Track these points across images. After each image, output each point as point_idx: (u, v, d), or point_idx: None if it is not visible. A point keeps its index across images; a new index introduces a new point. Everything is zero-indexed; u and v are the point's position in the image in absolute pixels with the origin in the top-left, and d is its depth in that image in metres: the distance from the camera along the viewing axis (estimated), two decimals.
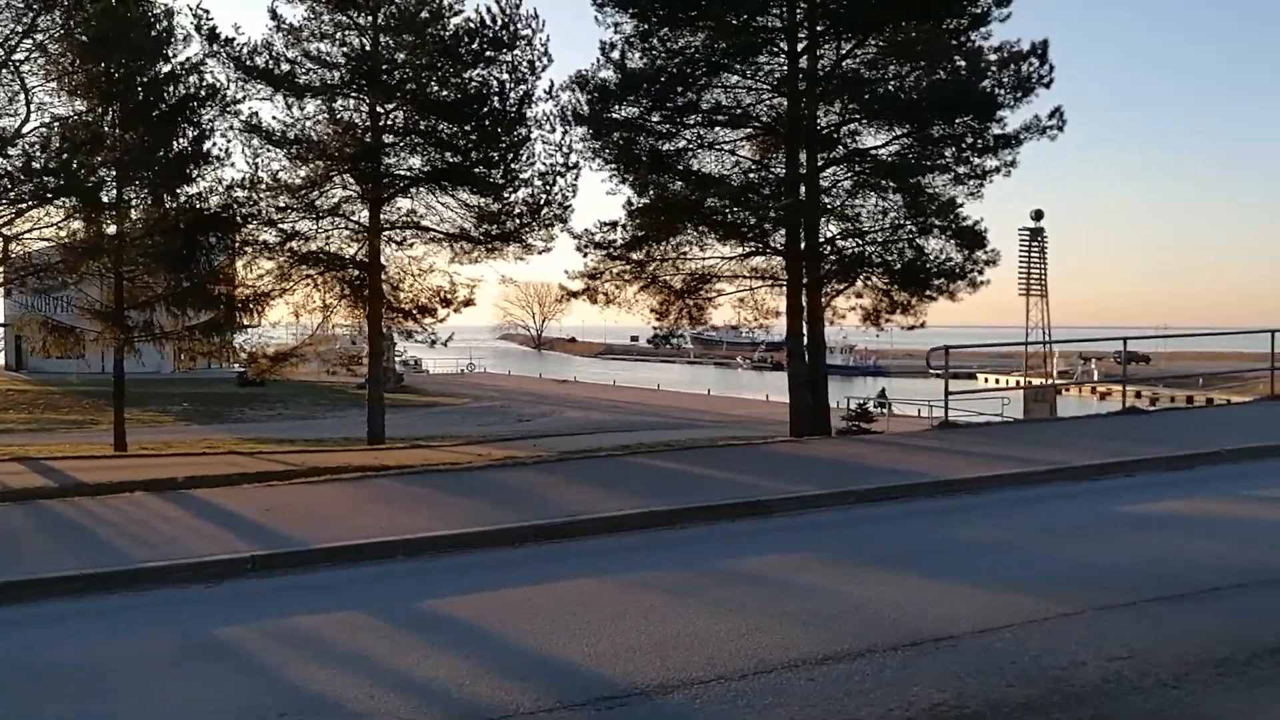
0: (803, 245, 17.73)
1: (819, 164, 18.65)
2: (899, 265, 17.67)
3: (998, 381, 75.36)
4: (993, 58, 17.27)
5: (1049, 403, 35.38)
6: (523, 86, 22.80)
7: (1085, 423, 16.38)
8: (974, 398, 31.02)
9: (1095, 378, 77.92)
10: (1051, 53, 16.88)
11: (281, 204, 22.11)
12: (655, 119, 17.55)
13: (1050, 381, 39.47)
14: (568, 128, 19.10)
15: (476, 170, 24.01)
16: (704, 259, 19.06)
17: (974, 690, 4.87)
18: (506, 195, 23.99)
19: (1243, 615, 5.99)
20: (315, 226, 22.86)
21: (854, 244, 18.54)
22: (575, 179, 23.32)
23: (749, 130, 18.23)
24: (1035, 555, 7.68)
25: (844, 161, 18.21)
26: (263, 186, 22.11)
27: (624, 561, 7.92)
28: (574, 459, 13.48)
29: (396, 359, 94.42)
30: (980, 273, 19.26)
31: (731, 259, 18.80)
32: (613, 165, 17.90)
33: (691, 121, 17.62)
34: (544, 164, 23.65)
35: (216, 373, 56.76)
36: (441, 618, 6.49)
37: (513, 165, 23.99)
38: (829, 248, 18.17)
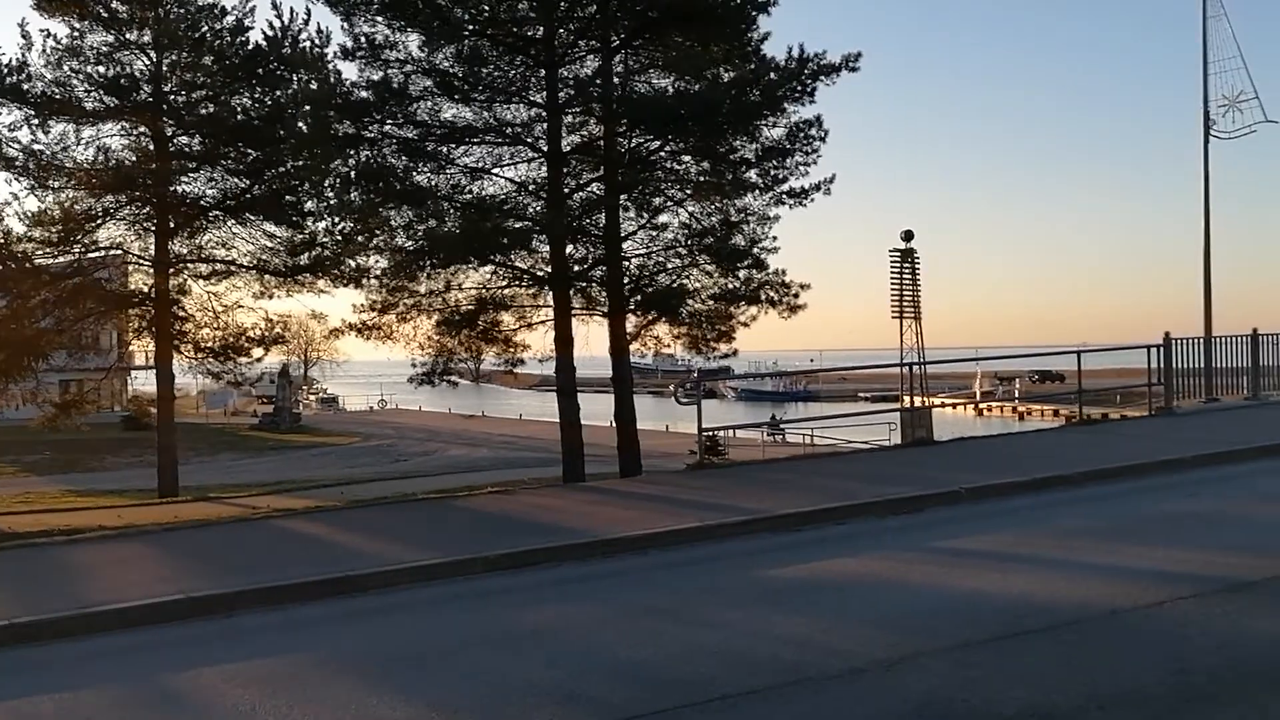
0: (574, 269, 16.24)
1: (619, 184, 17.18)
2: (674, 288, 16.22)
3: (924, 403, 74.61)
4: (776, 66, 16.00)
5: (926, 426, 34.33)
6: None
7: (863, 459, 15.00)
8: (833, 424, 29.87)
9: (1016, 397, 77.83)
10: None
11: (47, 236, 20.21)
12: (404, 135, 16.00)
13: (926, 403, 38.09)
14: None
15: (278, 197, 22.35)
16: (488, 288, 17.48)
17: None
18: (308, 224, 22.35)
19: None
20: (89, 259, 20.98)
21: (639, 266, 17.09)
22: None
23: (509, 148, 16.70)
24: (577, 649, 6.15)
25: (607, 179, 16.69)
26: (26, 218, 20.24)
27: (73, 674, 6.26)
28: (216, 525, 11.78)
29: (310, 396, 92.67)
30: (795, 295, 17.96)
31: (508, 286, 17.24)
32: (363, 189, 16.26)
33: (439, 136, 16.07)
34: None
35: (105, 416, 54.31)
36: None
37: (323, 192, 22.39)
38: (587, 273, 16.66)
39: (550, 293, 17.51)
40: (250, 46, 21.91)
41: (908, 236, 36.26)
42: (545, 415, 70.94)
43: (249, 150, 22.02)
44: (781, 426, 40.69)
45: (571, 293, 16.65)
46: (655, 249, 17.11)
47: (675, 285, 16.33)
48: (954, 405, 59.20)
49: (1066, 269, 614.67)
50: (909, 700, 4.98)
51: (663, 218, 17.52)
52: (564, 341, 16.44)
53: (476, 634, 6.65)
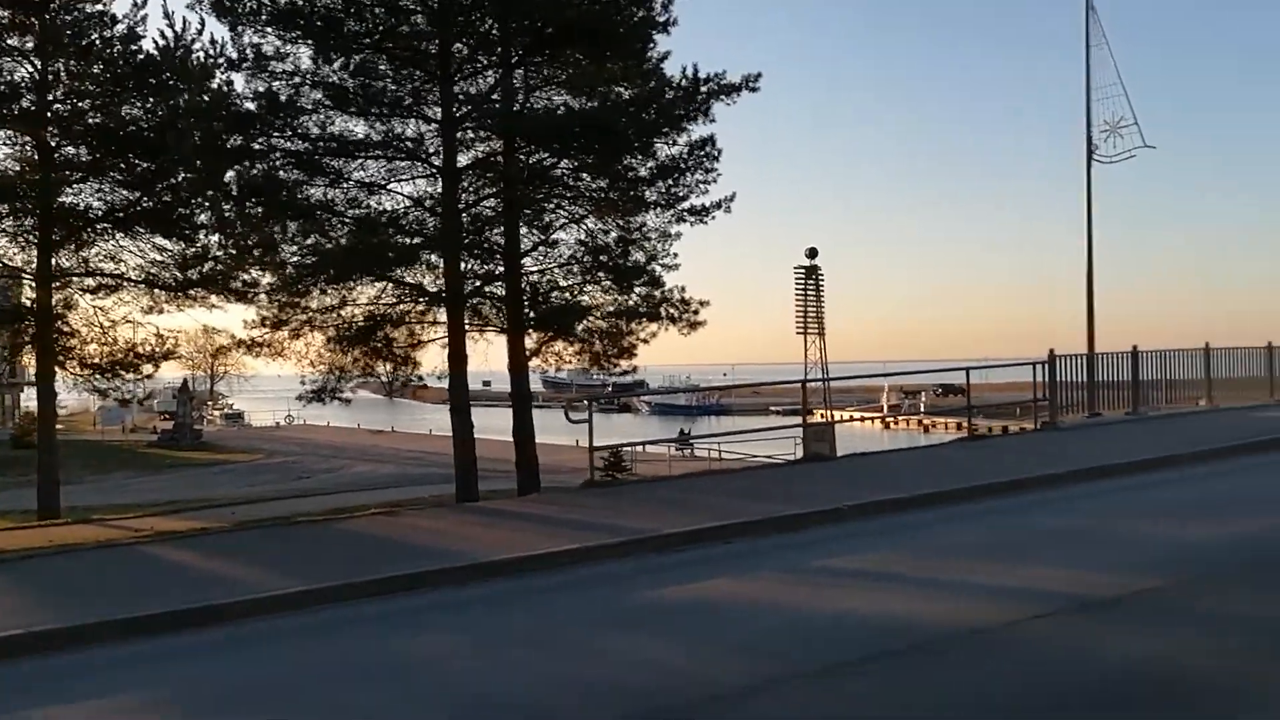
0: (472, 285, 16.04)
1: (516, 200, 16.98)
2: (570, 306, 16.15)
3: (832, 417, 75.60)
4: (674, 85, 16.07)
5: (829, 441, 34.84)
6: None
7: (758, 475, 15.08)
8: (741, 439, 30.08)
9: (922, 410, 79.56)
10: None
11: None
12: (292, 148, 15.63)
13: (828, 419, 38.62)
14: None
15: (169, 210, 21.63)
16: (380, 304, 17.17)
17: None
18: (200, 238, 21.67)
19: None
20: None
21: (534, 283, 16.96)
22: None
23: (405, 162, 16.43)
24: (436, 681, 6.02)
25: (505, 195, 16.55)
26: None
27: None
28: (79, 551, 11.30)
29: (215, 411, 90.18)
30: (695, 311, 18.05)
31: (399, 303, 16.95)
32: (250, 203, 15.82)
33: (330, 149, 15.73)
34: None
35: None
36: None
37: (217, 204, 21.74)
38: (482, 289, 16.49)
39: (444, 309, 17.27)
40: (142, 56, 21.22)
41: (812, 254, 36.97)
42: (450, 430, 70.28)
43: (139, 162, 21.26)
44: (690, 441, 40.71)
45: (465, 309, 16.43)
46: (550, 265, 17.03)
47: (571, 302, 16.24)
48: (861, 419, 60.22)
49: (973, 285, 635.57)
50: None
51: (559, 234, 17.44)
52: (457, 358, 16.19)
53: (333, 666, 6.45)
